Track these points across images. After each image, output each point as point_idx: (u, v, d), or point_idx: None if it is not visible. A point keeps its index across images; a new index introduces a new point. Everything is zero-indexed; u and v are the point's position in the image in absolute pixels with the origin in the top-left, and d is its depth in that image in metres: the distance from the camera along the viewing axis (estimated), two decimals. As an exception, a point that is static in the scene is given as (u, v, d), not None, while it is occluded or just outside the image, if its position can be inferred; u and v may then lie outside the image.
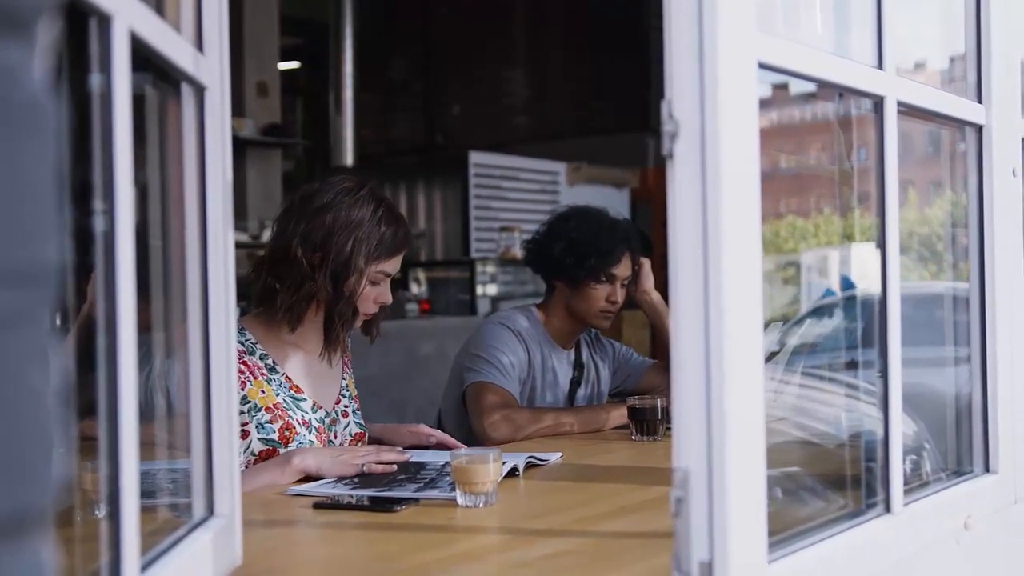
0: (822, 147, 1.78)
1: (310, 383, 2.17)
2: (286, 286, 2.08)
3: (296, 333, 2.14)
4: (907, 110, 1.49)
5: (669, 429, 2.37)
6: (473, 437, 2.57)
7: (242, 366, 2.06)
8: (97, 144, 0.91)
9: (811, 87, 1.47)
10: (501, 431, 2.51)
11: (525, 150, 8.27)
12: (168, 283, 1.25)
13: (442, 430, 2.76)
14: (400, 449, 2.12)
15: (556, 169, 8.04)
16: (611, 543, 1.53)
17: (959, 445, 1.76)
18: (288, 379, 2.13)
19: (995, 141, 1.70)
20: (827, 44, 1.57)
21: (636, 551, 1.47)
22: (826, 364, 2.01)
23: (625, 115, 8.87)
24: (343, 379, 2.27)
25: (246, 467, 1.99)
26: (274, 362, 2.13)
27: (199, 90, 1.23)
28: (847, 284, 1.84)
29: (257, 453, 2.04)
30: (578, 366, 2.88)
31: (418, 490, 1.82)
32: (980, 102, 1.70)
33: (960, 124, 1.71)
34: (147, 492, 1.24)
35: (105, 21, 0.90)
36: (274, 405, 2.08)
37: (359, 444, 2.23)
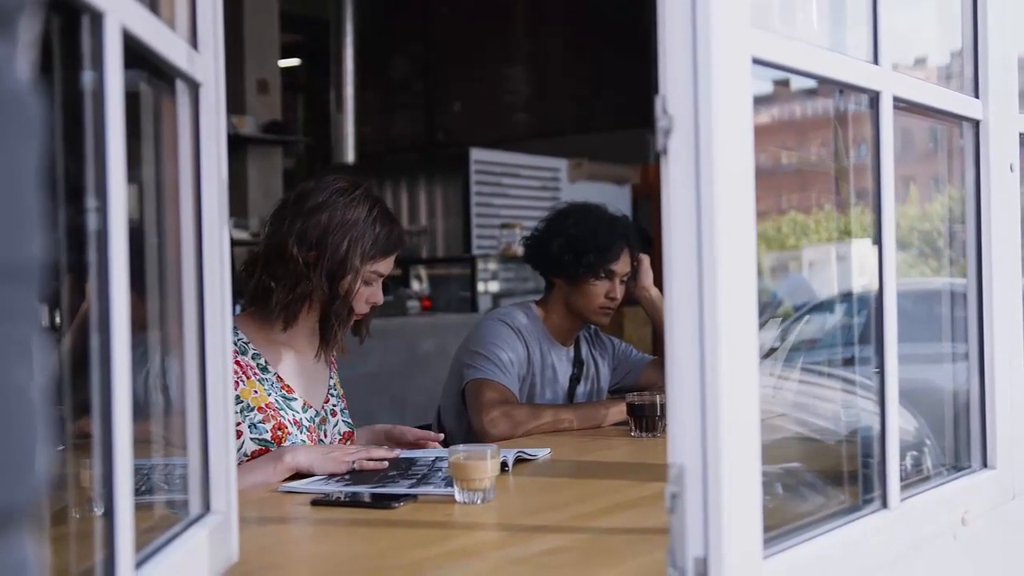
0: (823, 143, 1.78)
1: (300, 382, 2.18)
2: (281, 285, 2.08)
3: (288, 333, 2.14)
4: (904, 106, 1.49)
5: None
6: (472, 434, 2.58)
7: (235, 366, 2.06)
8: (90, 142, 0.91)
9: (813, 83, 1.47)
10: (500, 427, 2.52)
11: (526, 147, 8.26)
12: (164, 281, 1.26)
13: (441, 427, 2.77)
14: (389, 446, 2.12)
15: (557, 166, 8.03)
16: (608, 539, 1.53)
17: (957, 440, 1.76)
18: (279, 378, 2.14)
19: (992, 136, 1.70)
20: (823, 40, 1.57)
21: (632, 547, 1.47)
22: (825, 360, 2.01)
23: (626, 111, 8.85)
24: (330, 378, 2.27)
25: (238, 466, 1.99)
26: (266, 362, 2.13)
27: (194, 87, 1.24)
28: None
29: (250, 454, 2.04)
30: (577, 363, 2.88)
31: (411, 486, 1.82)
32: (977, 97, 1.70)
33: (957, 119, 1.71)
34: (144, 489, 1.24)
35: (97, 18, 0.90)
36: (266, 405, 2.08)
37: (348, 443, 2.24)
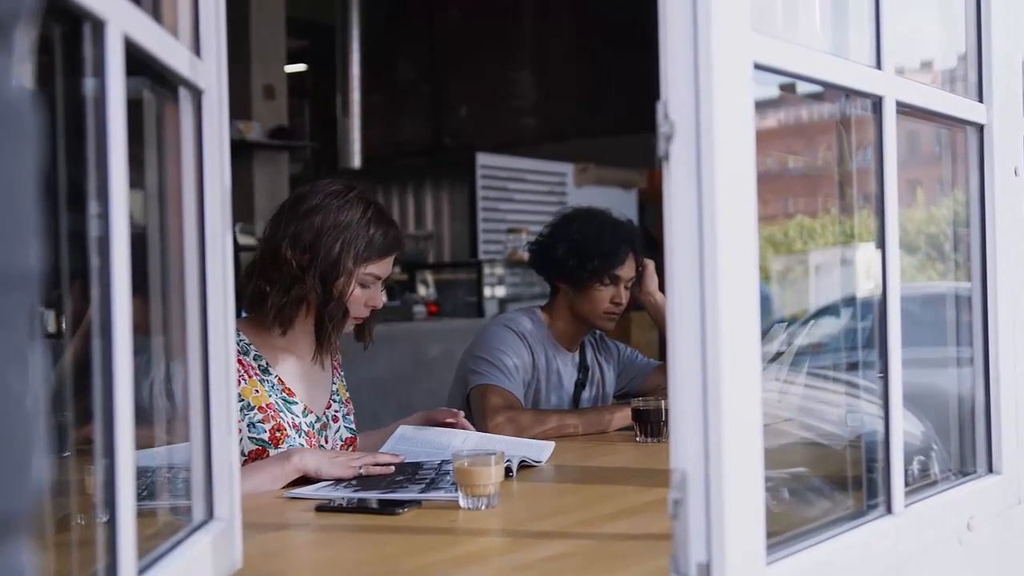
0: (829, 147, 1.78)
1: (302, 387, 2.18)
2: (276, 288, 2.08)
3: (287, 337, 2.14)
4: (907, 110, 1.48)
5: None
6: (478, 439, 2.58)
7: (237, 364, 2.06)
8: (92, 149, 0.92)
9: (819, 88, 1.47)
10: (505, 433, 2.51)
11: (532, 151, 8.25)
12: (168, 288, 1.26)
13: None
14: (395, 453, 2.13)
15: (563, 170, 8.03)
16: (612, 545, 1.53)
17: (962, 445, 1.75)
18: (281, 381, 2.14)
19: (996, 140, 1.70)
20: (826, 44, 1.56)
21: (636, 553, 1.47)
22: (831, 364, 2.00)
23: (632, 116, 8.81)
24: (333, 384, 2.27)
25: (242, 466, 1.99)
26: (268, 364, 2.13)
27: (196, 94, 1.24)
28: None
29: (247, 453, 2.05)
30: (583, 368, 2.88)
31: (420, 491, 1.82)
32: (981, 101, 1.70)
33: (961, 124, 1.71)
34: (148, 495, 1.25)
35: (99, 26, 0.91)
36: (267, 405, 2.09)
37: (350, 449, 2.24)
